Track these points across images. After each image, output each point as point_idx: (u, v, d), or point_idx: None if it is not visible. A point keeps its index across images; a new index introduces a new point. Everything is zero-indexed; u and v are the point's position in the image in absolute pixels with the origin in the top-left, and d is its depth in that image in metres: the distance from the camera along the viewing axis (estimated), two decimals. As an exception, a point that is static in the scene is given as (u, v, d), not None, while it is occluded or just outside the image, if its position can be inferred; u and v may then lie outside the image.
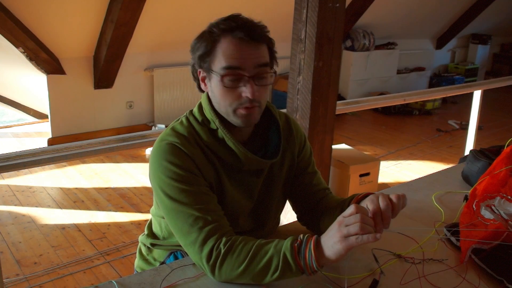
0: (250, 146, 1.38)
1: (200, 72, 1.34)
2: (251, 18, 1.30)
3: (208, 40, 1.27)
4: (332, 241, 1.11)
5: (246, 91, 1.26)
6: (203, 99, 1.37)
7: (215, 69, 1.27)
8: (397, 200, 1.18)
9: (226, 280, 1.22)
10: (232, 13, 1.33)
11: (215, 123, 1.32)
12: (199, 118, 1.35)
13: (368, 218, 1.10)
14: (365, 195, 1.32)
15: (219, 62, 1.26)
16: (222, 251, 1.19)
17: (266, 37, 1.30)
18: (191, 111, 1.39)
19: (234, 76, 1.26)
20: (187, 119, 1.37)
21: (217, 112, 1.33)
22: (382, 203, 1.16)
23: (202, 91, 1.38)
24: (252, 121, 1.32)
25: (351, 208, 1.12)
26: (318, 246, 1.14)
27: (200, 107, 1.37)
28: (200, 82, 1.35)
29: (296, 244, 1.15)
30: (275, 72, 1.33)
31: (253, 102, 1.28)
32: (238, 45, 1.25)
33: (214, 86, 1.30)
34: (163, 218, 1.43)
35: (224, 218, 1.28)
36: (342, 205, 1.40)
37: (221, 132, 1.32)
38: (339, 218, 1.12)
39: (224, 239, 1.20)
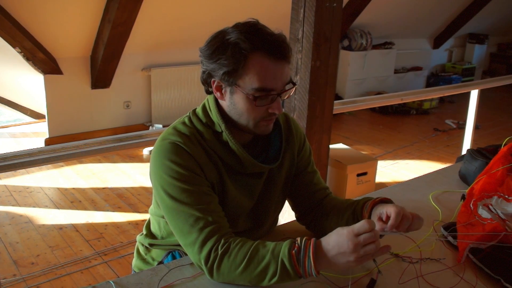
0: (252, 149, 1.39)
1: (215, 81, 1.29)
2: (271, 29, 1.27)
3: (236, 56, 1.22)
4: (346, 259, 1.10)
5: (274, 108, 1.27)
6: (210, 102, 1.35)
7: (245, 87, 1.24)
8: (417, 220, 1.24)
9: (224, 282, 1.22)
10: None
11: (221, 127, 1.32)
12: (203, 120, 1.34)
13: (378, 232, 1.12)
14: (380, 200, 1.32)
15: (250, 82, 1.23)
16: (219, 253, 1.19)
17: (291, 51, 1.28)
18: (194, 111, 1.38)
19: (265, 96, 1.25)
20: (190, 119, 1.36)
21: (224, 116, 1.32)
22: (401, 220, 1.21)
23: (209, 93, 1.36)
24: (270, 130, 1.34)
25: (365, 226, 1.10)
26: (317, 252, 1.13)
27: (205, 108, 1.36)
28: (214, 90, 1.31)
29: (294, 251, 1.14)
30: (294, 85, 1.32)
31: (276, 115, 1.30)
32: (272, 66, 1.23)
33: (238, 101, 1.27)
34: (162, 217, 1.43)
35: (225, 219, 1.27)
36: (353, 207, 1.40)
37: (226, 136, 1.32)
38: (352, 236, 1.09)
39: (222, 241, 1.20)
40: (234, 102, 1.28)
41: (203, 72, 1.31)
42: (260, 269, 1.16)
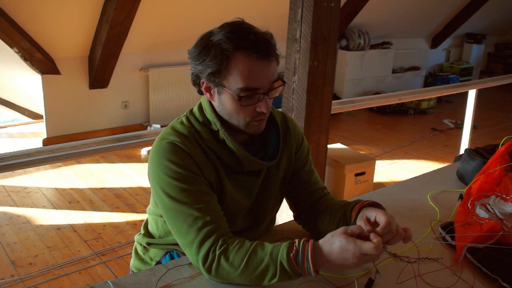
0: (250, 147, 1.38)
1: (204, 82, 1.30)
2: (256, 27, 1.26)
3: (219, 57, 1.22)
4: (346, 265, 1.12)
5: (261, 107, 1.26)
6: (204, 101, 1.36)
7: (230, 88, 1.24)
8: (398, 238, 1.21)
9: (223, 282, 1.22)
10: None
11: (216, 125, 1.32)
12: (200, 119, 1.34)
13: (382, 250, 1.12)
14: (370, 204, 1.32)
15: (235, 82, 1.23)
16: (217, 254, 1.19)
17: (276, 49, 1.27)
18: (191, 111, 1.38)
19: (250, 95, 1.25)
20: (188, 118, 1.36)
21: (218, 115, 1.33)
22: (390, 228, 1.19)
23: (202, 94, 1.36)
24: (262, 129, 1.34)
25: (373, 251, 1.10)
26: (316, 255, 1.13)
27: (201, 107, 1.36)
28: (204, 91, 1.31)
29: (292, 255, 1.14)
30: (284, 83, 1.31)
31: (266, 114, 1.29)
32: (255, 66, 1.22)
33: (226, 101, 1.27)
34: (160, 216, 1.43)
35: (224, 219, 1.27)
36: (344, 209, 1.39)
37: (222, 134, 1.32)
38: (359, 254, 1.10)
39: (220, 241, 1.20)
40: (222, 103, 1.29)
41: (192, 73, 1.31)
42: (259, 271, 1.16)
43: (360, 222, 1.25)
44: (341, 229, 1.15)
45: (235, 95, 1.24)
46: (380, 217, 1.20)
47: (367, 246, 1.10)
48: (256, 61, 1.22)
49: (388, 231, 1.18)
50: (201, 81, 1.30)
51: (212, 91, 1.30)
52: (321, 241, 1.16)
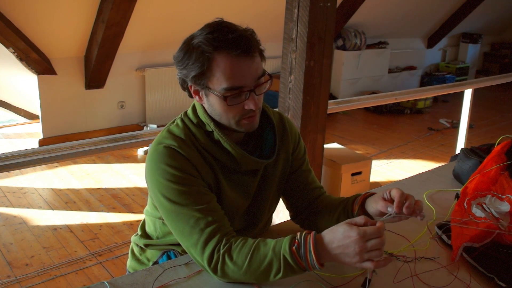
0: (246, 147, 1.38)
1: (192, 86, 1.30)
2: (236, 24, 1.26)
3: (200, 60, 1.22)
4: (348, 259, 1.11)
5: (249, 104, 1.26)
6: (196, 103, 1.36)
7: (215, 89, 1.24)
8: (419, 203, 1.27)
9: (230, 281, 1.22)
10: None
11: (210, 126, 1.32)
12: (194, 120, 1.34)
13: (385, 239, 1.11)
14: (370, 195, 1.33)
15: (219, 83, 1.23)
16: (221, 253, 1.19)
17: (258, 45, 1.27)
18: (185, 113, 1.38)
19: (236, 94, 1.24)
20: (182, 121, 1.36)
21: (211, 116, 1.33)
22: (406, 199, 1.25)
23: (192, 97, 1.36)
24: (255, 126, 1.33)
25: (376, 233, 1.10)
26: (318, 247, 1.13)
27: (194, 109, 1.36)
28: (193, 94, 1.32)
29: (294, 248, 1.14)
30: (271, 77, 1.30)
31: (255, 111, 1.29)
32: (236, 64, 1.21)
33: (213, 102, 1.27)
34: (158, 218, 1.43)
35: (225, 218, 1.27)
36: (344, 204, 1.40)
37: (217, 135, 1.32)
38: (360, 241, 1.08)
39: (224, 241, 1.21)
40: (211, 104, 1.29)
41: (179, 78, 1.31)
42: (263, 268, 1.16)
43: (377, 205, 1.27)
44: (345, 221, 1.15)
45: (221, 96, 1.24)
46: (393, 191, 1.26)
47: (371, 229, 1.10)
48: (237, 59, 1.21)
49: (407, 198, 1.24)
50: (189, 84, 1.30)
51: (200, 94, 1.30)
52: (324, 231, 1.15)
